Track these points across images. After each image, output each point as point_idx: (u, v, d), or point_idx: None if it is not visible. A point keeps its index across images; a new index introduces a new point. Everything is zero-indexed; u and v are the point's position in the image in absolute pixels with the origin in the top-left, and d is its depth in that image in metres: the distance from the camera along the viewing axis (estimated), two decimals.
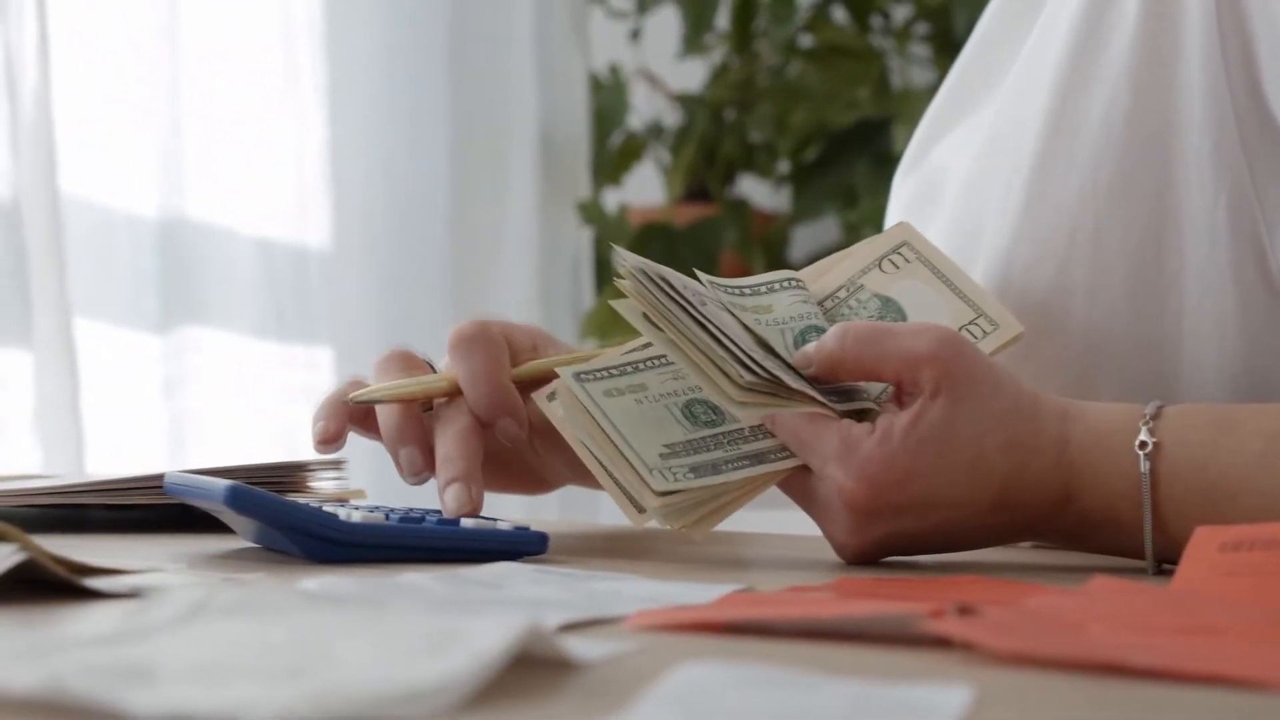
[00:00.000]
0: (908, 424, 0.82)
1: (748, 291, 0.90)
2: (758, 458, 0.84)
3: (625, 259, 0.85)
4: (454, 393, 0.92)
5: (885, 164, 2.49)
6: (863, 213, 2.46)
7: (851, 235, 2.52)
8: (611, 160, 2.61)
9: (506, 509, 1.93)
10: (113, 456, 1.66)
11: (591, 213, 2.47)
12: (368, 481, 1.11)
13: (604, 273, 2.57)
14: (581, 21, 2.51)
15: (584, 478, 1.00)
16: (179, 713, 0.39)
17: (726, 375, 0.82)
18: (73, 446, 1.51)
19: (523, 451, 0.99)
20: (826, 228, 2.65)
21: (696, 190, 2.62)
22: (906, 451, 0.82)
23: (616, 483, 0.85)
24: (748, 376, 0.82)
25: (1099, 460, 0.84)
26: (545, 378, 0.93)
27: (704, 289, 0.87)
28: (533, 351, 0.95)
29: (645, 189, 2.67)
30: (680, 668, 0.48)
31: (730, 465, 0.83)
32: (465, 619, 0.48)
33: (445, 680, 0.43)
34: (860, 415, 0.85)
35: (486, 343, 0.92)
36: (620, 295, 0.85)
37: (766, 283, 0.91)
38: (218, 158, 1.88)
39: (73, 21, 1.63)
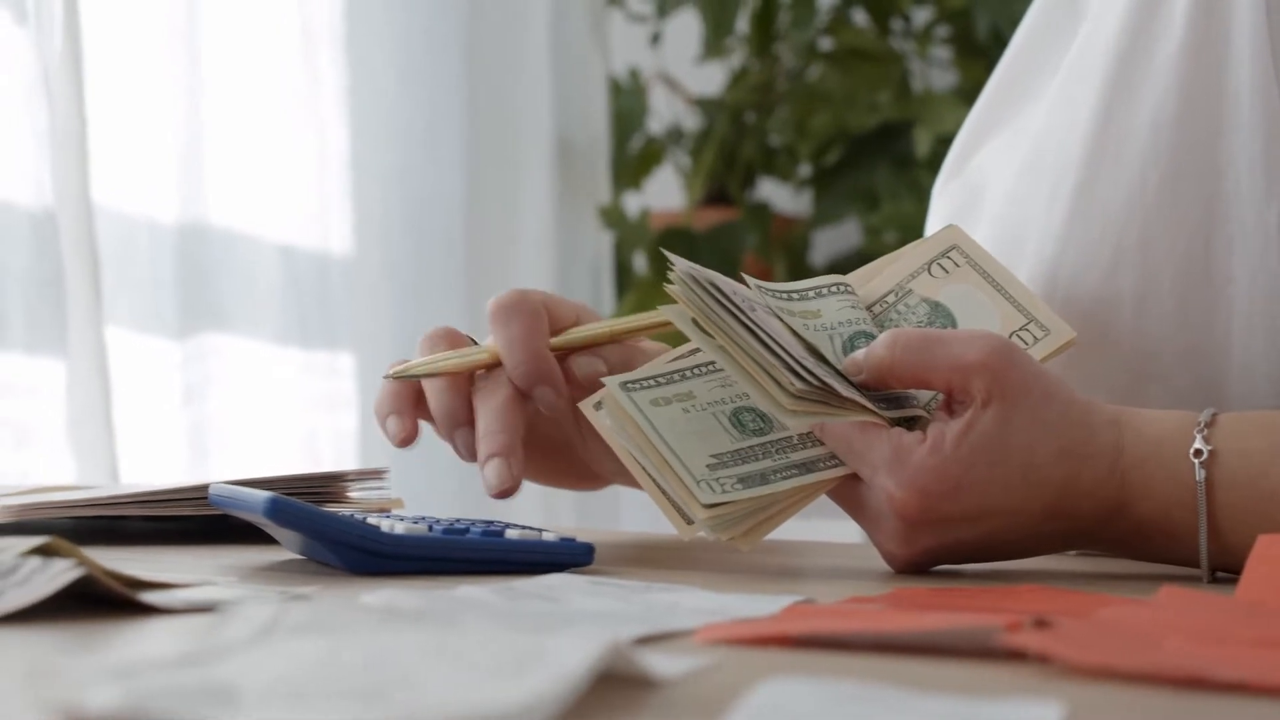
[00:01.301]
0: (959, 433, 0.81)
1: (795, 296, 0.89)
2: (806, 467, 0.83)
3: (675, 263, 0.84)
4: (495, 364, 0.93)
5: (906, 167, 2.48)
6: (884, 216, 2.45)
7: (873, 239, 2.51)
8: (631, 164, 2.60)
9: (518, 515, 1.93)
10: (139, 464, 1.65)
11: (612, 217, 2.46)
12: (403, 489, 1.10)
13: (624, 277, 2.56)
14: (600, 25, 2.51)
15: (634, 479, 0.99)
16: None
17: (777, 383, 0.81)
18: (105, 455, 1.51)
19: (573, 443, 0.98)
20: (847, 231, 2.64)
21: (716, 194, 2.61)
22: (958, 461, 0.81)
23: (664, 494, 0.84)
24: (799, 384, 0.81)
25: (1153, 468, 0.83)
26: (585, 346, 0.93)
27: (752, 294, 0.86)
28: (575, 322, 0.95)
29: (664, 193, 2.66)
30: (764, 684, 0.47)
31: (779, 475, 0.82)
32: (544, 637, 0.47)
33: (530, 702, 0.42)
34: (910, 423, 0.84)
35: (525, 311, 0.93)
36: (670, 300, 0.84)
37: (814, 287, 0.90)
38: (239, 164, 1.87)
39: (93, 30, 1.62)
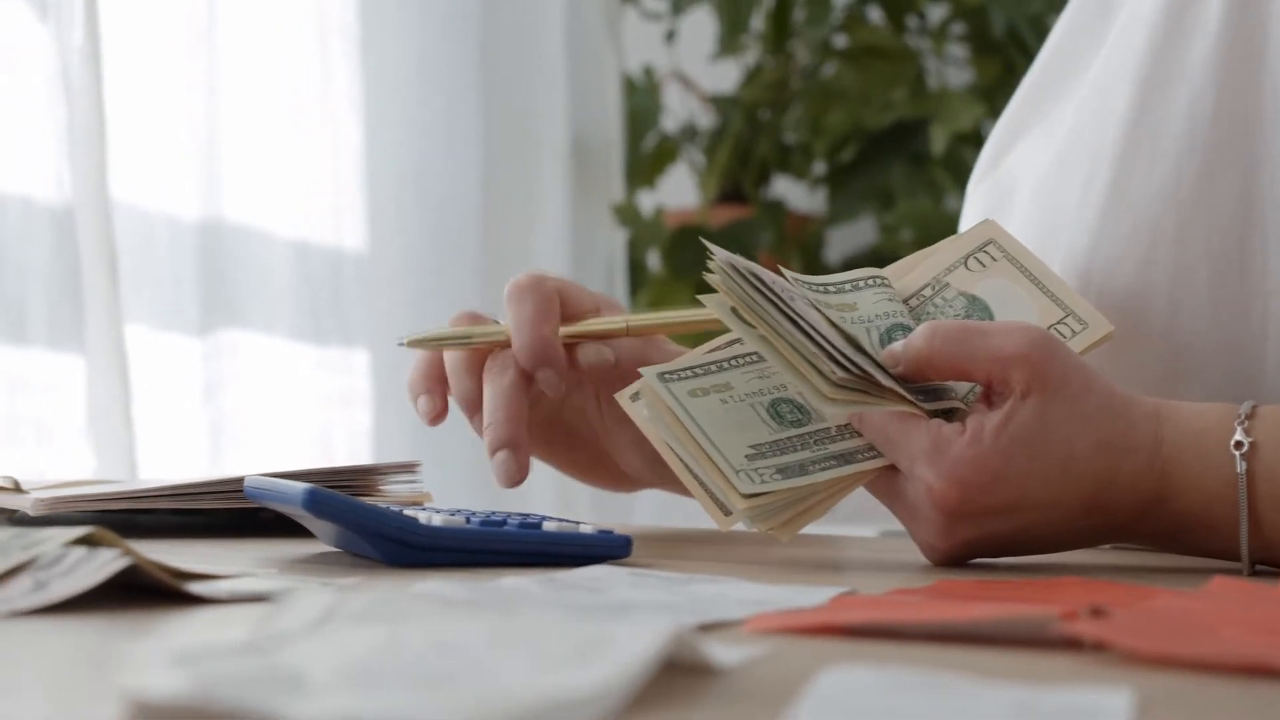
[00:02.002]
0: (999, 424, 0.81)
1: (832, 289, 0.89)
2: (845, 458, 0.83)
3: (715, 253, 0.83)
4: (507, 343, 0.94)
5: (921, 165, 2.48)
6: (899, 214, 2.45)
7: (888, 236, 2.51)
8: (645, 162, 2.60)
9: (533, 508, 1.92)
10: (157, 459, 1.65)
11: (627, 215, 2.46)
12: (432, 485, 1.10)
13: (638, 275, 2.56)
14: (615, 23, 2.50)
15: (665, 480, 0.99)
16: None
17: (819, 371, 0.81)
18: (124, 451, 1.50)
19: (598, 436, 0.98)
20: (863, 229, 2.63)
21: (731, 192, 2.61)
22: (998, 452, 0.81)
23: (702, 485, 0.83)
24: (840, 373, 0.81)
25: (1193, 461, 0.83)
26: (598, 337, 0.94)
27: (790, 285, 0.86)
28: (594, 312, 0.95)
29: (678, 191, 2.65)
30: (826, 673, 0.46)
31: (817, 466, 0.82)
32: (609, 624, 0.46)
33: (599, 688, 0.42)
34: (947, 415, 0.84)
35: (537, 293, 0.94)
36: (710, 290, 0.84)
37: (851, 280, 0.89)
38: (254, 161, 1.87)
39: (112, 27, 1.62)
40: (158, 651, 0.43)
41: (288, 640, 0.45)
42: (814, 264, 2.55)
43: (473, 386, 0.94)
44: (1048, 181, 1.02)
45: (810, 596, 0.67)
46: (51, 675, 0.50)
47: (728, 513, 0.82)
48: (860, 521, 1.20)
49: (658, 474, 0.98)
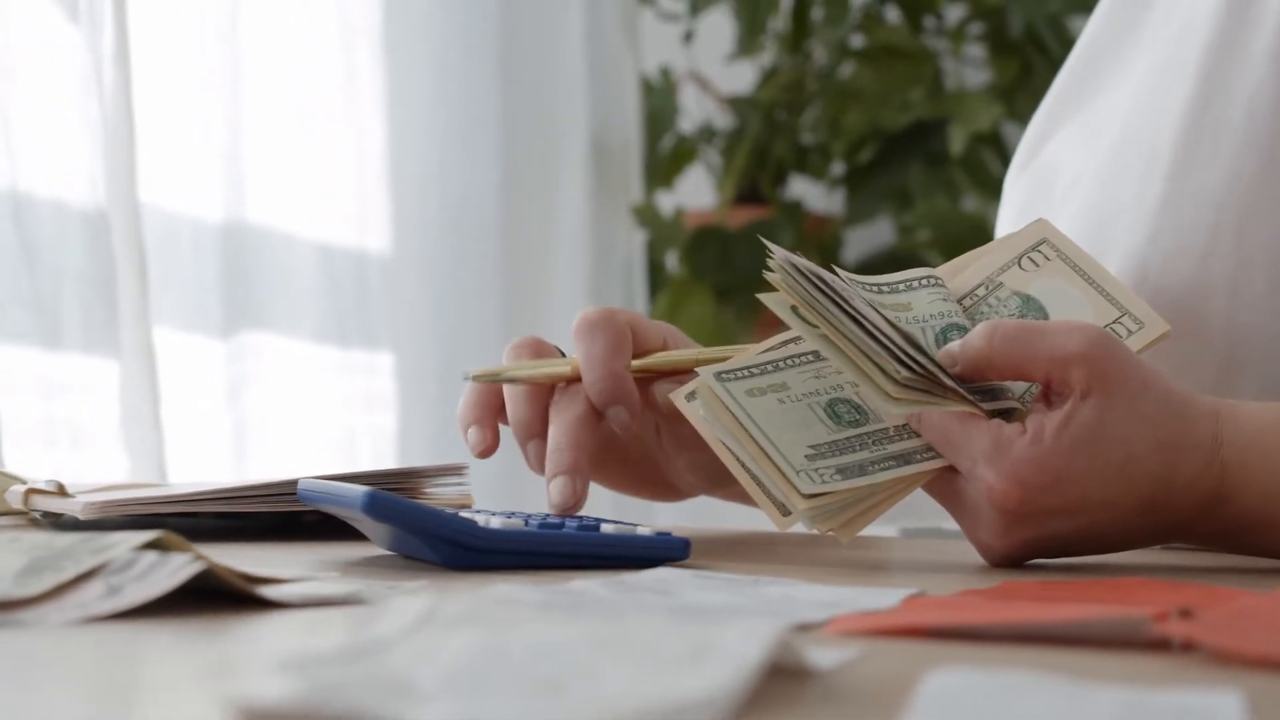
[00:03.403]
0: (1059, 424, 0.80)
1: (885, 289, 0.88)
2: (904, 458, 0.82)
3: (774, 252, 0.83)
4: (575, 378, 0.93)
5: (940, 165, 2.47)
6: (917, 215, 2.45)
7: (906, 237, 2.51)
8: (663, 164, 2.59)
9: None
10: (184, 462, 1.65)
11: (646, 215, 2.45)
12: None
13: (656, 276, 2.55)
14: (632, 24, 2.50)
15: (715, 487, 0.99)
16: None
17: (882, 370, 0.81)
18: (153, 453, 1.50)
19: (654, 456, 0.98)
20: (880, 230, 2.63)
21: (748, 192, 2.60)
22: (1059, 453, 0.80)
23: (759, 485, 0.83)
24: (905, 372, 0.80)
25: (1253, 460, 0.82)
26: (668, 372, 0.93)
27: (847, 285, 0.85)
28: (661, 346, 0.94)
29: (696, 192, 2.65)
30: (934, 675, 0.46)
31: (877, 466, 0.82)
32: (712, 627, 0.46)
33: (712, 693, 0.41)
34: (1004, 415, 0.83)
35: (609, 328, 0.92)
36: (771, 289, 0.83)
37: (905, 280, 0.89)
38: (277, 163, 1.87)
39: (139, 27, 1.61)
40: (263, 657, 0.43)
41: (390, 645, 0.45)
42: (832, 265, 2.54)
43: (533, 417, 0.93)
44: (1099, 176, 1.01)
45: (881, 598, 0.66)
46: (149, 680, 0.50)
47: (786, 513, 0.82)
48: (881, 520, 1.20)
49: (707, 480, 0.97)
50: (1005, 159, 2.55)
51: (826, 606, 0.64)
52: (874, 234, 2.63)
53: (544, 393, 0.93)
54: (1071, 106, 1.11)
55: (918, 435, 0.83)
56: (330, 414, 1.98)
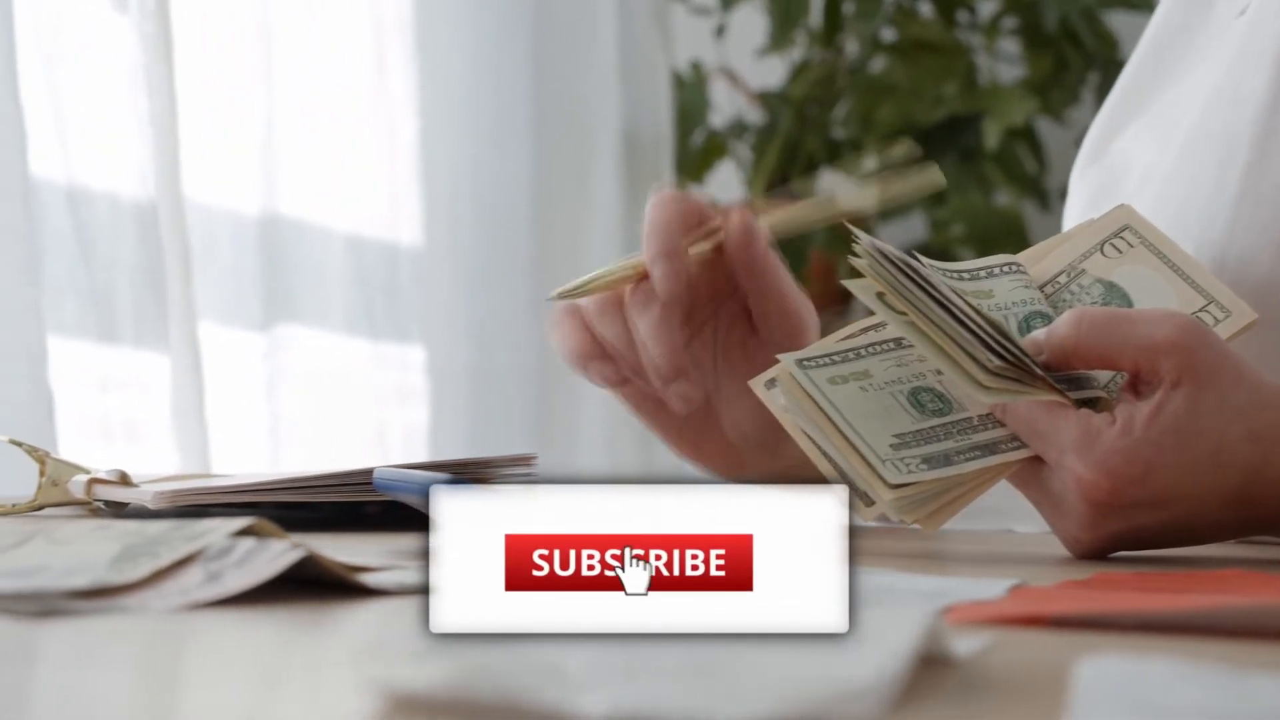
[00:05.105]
0: (1149, 415, 0.79)
1: (967, 276, 0.87)
2: (989, 448, 0.81)
3: (860, 238, 0.82)
4: (645, 275, 0.91)
5: (973, 160, 2.46)
6: (951, 210, 2.43)
7: (939, 232, 2.49)
8: (693, 158, 2.58)
9: None
10: (226, 457, 1.64)
11: None
12: None
13: None
14: (664, 18, 2.49)
15: (772, 456, 0.96)
16: (640, 713, 0.36)
17: (973, 359, 0.79)
18: (199, 447, 1.49)
19: (714, 401, 0.96)
20: (913, 225, 2.62)
21: (779, 187, 2.59)
22: (1149, 443, 0.79)
23: (842, 474, 0.81)
24: (996, 361, 0.79)
25: None
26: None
27: (931, 272, 0.84)
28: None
29: (727, 187, 2.64)
30: (1085, 663, 0.44)
31: (962, 456, 0.80)
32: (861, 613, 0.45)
33: (870, 680, 0.40)
34: (1090, 404, 0.82)
35: (673, 205, 0.92)
36: (857, 275, 0.82)
37: (986, 267, 0.88)
38: (310, 156, 1.86)
39: (181, 19, 1.60)
40: (405, 642, 0.41)
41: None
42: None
43: (621, 329, 0.91)
44: (1173, 170, 1.00)
45: (986, 589, 0.65)
46: (293, 666, 0.49)
47: (870, 503, 0.80)
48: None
49: (766, 445, 0.95)
50: (1039, 154, 2.53)
51: (929, 595, 0.63)
52: (907, 229, 2.61)
53: (619, 301, 0.92)
54: (1136, 107, 1.10)
55: (1002, 425, 0.82)
56: (362, 407, 1.97)
